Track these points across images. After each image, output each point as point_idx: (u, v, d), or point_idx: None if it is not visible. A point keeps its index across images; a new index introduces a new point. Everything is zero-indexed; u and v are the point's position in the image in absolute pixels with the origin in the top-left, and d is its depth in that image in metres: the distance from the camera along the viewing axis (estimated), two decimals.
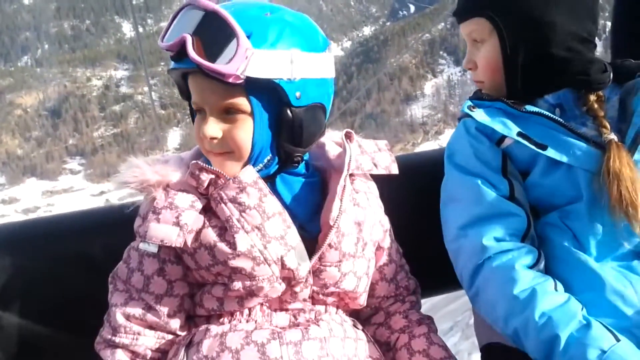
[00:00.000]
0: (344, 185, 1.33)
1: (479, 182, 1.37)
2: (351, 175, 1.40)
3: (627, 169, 1.28)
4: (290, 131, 1.25)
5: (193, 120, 1.30)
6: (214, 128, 1.21)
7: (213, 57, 1.13)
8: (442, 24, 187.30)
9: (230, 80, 1.14)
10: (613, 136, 1.33)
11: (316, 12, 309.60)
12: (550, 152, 1.33)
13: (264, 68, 1.16)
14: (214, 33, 1.15)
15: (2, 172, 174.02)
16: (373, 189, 1.50)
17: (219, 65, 1.13)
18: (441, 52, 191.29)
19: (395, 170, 1.47)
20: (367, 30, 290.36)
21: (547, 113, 1.36)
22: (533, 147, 1.34)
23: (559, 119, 1.36)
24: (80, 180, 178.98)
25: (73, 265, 1.60)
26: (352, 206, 1.35)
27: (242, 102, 1.20)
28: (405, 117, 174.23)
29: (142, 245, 1.26)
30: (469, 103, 1.43)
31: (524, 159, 1.41)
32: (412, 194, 1.57)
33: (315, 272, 1.30)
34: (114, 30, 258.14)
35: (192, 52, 1.13)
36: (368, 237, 1.38)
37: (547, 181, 1.38)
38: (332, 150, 1.43)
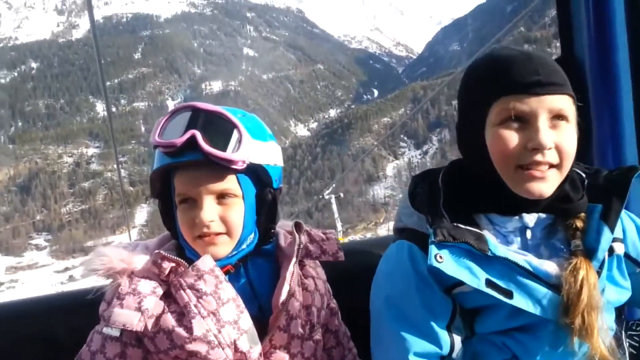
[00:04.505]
0: (293, 271, 1.45)
1: (419, 339, 1.31)
2: (301, 261, 1.54)
3: (592, 277, 1.29)
4: (269, 210, 1.45)
5: (164, 213, 1.46)
6: (210, 213, 1.35)
7: (220, 148, 1.32)
8: (402, 109, 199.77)
9: (237, 166, 1.34)
10: (580, 247, 1.34)
11: (284, 95, 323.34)
12: (516, 301, 1.28)
13: (259, 156, 1.40)
14: (218, 129, 1.34)
15: None
16: (321, 274, 1.63)
17: (230, 154, 1.32)
18: (402, 136, 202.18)
19: (341, 257, 1.58)
20: (333, 112, 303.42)
21: (513, 258, 1.31)
22: (500, 296, 1.28)
23: (523, 263, 1.31)
24: (45, 256, 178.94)
25: (39, 347, 1.69)
26: (300, 290, 1.47)
27: (234, 186, 1.37)
28: (367, 197, 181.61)
29: (105, 329, 1.32)
30: (435, 251, 1.29)
31: (479, 302, 1.35)
32: (359, 278, 1.58)
33: (266, 354, 1.40)
34: (87, 110, 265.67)
35: (204, 145, 1.30)
36: (316, 320, 1.49)
37: (505, 324, 1.35)
38: (284, 239, 1.55)
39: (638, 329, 1.49)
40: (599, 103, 1.96)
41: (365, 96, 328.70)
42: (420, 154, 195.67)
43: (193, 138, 1.31)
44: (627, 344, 1.46)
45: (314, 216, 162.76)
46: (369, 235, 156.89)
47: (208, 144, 1.31)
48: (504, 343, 1.36)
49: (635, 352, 1.45)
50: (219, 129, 1.35)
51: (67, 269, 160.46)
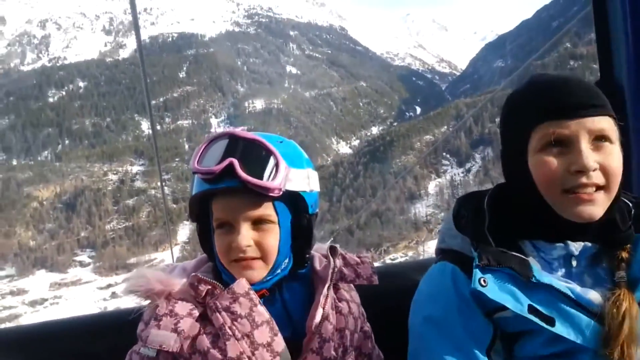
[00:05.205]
0: (327, 295, 1.49)
1: (458, 359, 1.30)
2: (335, 285, 1.58)
3: (634, 310, 1.28)
4: (305, 236, 1.51)
5: (201, 237, 1.54)
6: (247, 238, 1.40)
7: (258, 175, 1.38)
8: (445, 127, 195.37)
9: (273, 193, 1.40)
10: (624, 278, 1.33)
11: (326, 112, 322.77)
12: (558, 329, 1.27)
13: (295, 183, 1.46)
14: (255, 156, 1.40)
15: (13, 263, 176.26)
16: (355, 297, 1.66)
17: (266, 182, 1.38)
18: (444, 154, 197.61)
19: (375, 280, 1.60)
20: (375, 130, 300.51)
21: (557, 286, 1.30)
22: (542, 323, 1.27)
23: (567, 290, 1.30)
24: (88, 273, 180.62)
25: None
26: (334, 314, 1.51)
27: (271, 212, 1.43)
28: (409, 215, 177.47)
29: (142, 350, 1.38)
30: (479, 275, 1.30)
31: (520, 327, 1.35)
32: (393, 302, 1.64)
33: None
34: (132, 128, 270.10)
35: (241, 173, 1.36)
36: (349, 343, 1.53)
37: (544, 350, 1.34)
38: (319, 262, 1.59)
39: None
40: (638, 127, 1.92)
41: (407, 113, 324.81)
42: (462, 172, 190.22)
43: (231, 166, 1.36)
44: None
45: (355, 234, 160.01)
46: (410, 253, 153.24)
47: (245, 172, 1.36)
48: None
49: None
50: (256, 156, 1.40)
51: (110, 285, 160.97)
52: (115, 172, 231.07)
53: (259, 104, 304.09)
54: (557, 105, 1.30)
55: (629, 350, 1.25)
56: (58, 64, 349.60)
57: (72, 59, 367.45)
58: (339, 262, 1.58)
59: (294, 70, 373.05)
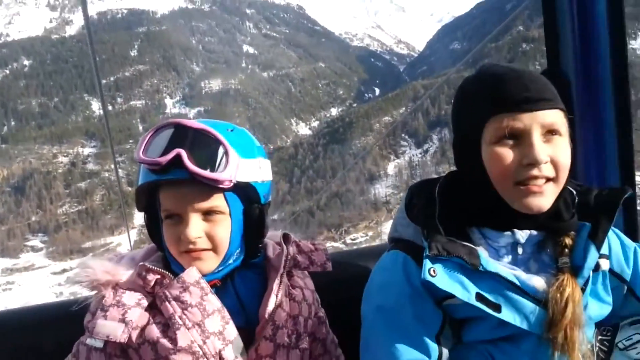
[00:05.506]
0: (280, 282, 1.48)
1: (409, 348, 1.33)
2: (289, 272, 1.57)
3: (577, 295, 1.34)
4: (257, 226, 1.48)
5: (150, 227, 1.48)
6: (196, 230, 1.37)
7: (207, 167, 1.33)
8: (403, 108, 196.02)
9: (223, 185, 1.36)
10: (568, 264, 1.38)
11: (285, 93, 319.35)
12: (504, 315, 1.32)
13: (246, 174, 1.41)
14: (204, 147, 1.35)
15: None
16: (309, 284, 1.65)
17: (216, 174, 1.33)
18: (403, 135, 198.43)
19: (329, 267, 1.60)
20: (334, 111, 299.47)
21: (503, 274, 1.34)
22: (489, 310, 1.32)
23: (513, 278, 1.35)
24: (41, 258, 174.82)
25: (26, 358, 1.72)
26: (288, 301, 1.51)
27: (221, 203, 1.39)
28: (369, 195, 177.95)
29: (89, 341, 1.33)
30: (429, 265, 1.33)
31: (468, 313, 1.39)
32: (347, 288, 1.65)
33: None
34: (82, 108, 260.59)
35: (190, 164, 1.31)
36: (302, 330, 1.53)
37: (491, 334, 1.38)
38: (272, 250, 1.58)
39: (608, 334, 1.52)
40: (583, 117, 1.98)
41: (366, 95, 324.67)
42: (420, 153, 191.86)
43: (178, 157, 1.31)
44: (597, 348, 1.50)
45: (316, 215, 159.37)
46: (370, 233, 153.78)
47: (193, 163, 1.31)
48: (488, 351, 1.39)
49: (602, 356, 1.49)
50: (205, 147, 1.35)
51: (64, 270, 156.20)
52: (65, 154, 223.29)
53: (215, 84, 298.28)
54: (510, 99, 1.33)
55: (572, 334, 1.30)
56: (0, 42, 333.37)
57: (16, 35, 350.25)
58: (292, 249, 1.57)
59: (251, 50, 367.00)
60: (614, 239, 1.57)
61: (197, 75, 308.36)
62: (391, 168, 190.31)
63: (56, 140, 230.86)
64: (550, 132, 1.34)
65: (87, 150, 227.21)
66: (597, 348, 1.49)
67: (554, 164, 1.34)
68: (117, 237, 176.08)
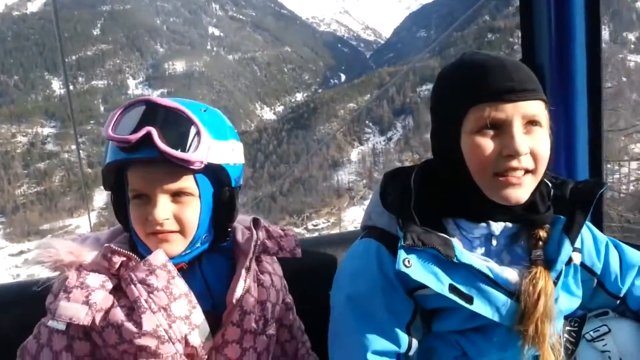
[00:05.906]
0: (249, 267, 1.46)
1: (379, 338, 1.33)
2: (258, 257, 1.55)
3: (549, 288, 1.34)
4: (227, 209, 1.45)
5: (116, 207, 1.43)
6: (164, 211, 1.33)
7: (178, 147, 1.29)
8: (369, 95, 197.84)
9: (194, 166, 1.32)
10: (541, 257, 1.38)
11: (250, 77, 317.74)
12: (476, 307, 1.32)
13: (218, 155, 1.37)
14: (175, 126, 1.31)
15: None
16: (278, 270, 1.65)
17: (187, 154, 1.30)
18: (367, 122, 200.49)
19: (299, 253, 1.58)
20: (300, 96, 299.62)
21: (476, 266, 1.34)
22: (461, 301, 1.31)
23: (486, 270, 1.34)
24: None
25: None
26: (256, 286, 1.49)
27: (191, 185, 1.36)
28: (332, 182, 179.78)
29: (51, 323, 1.30)
30: (404, 255, 1.31)
31: (440, 304, 1.39)
32: (316, 274, 1.67)
33: (218, 349, 1.42)
34: (42, 87, 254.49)
35: (160, 143, 1.27)
36: (270, 315, 1.51)
37: (461, 325, 1.39)
38: (242, 235, 1.55)
39: (576, 325, 1.53)
40: (556, 109, 1.93)
41: (332, 80, 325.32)
42: (384, 140, 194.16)
43: (148, 135, 1.27)
44: (564, 339, 1.50)
45: (278, 201, 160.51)
46: (332, 219, 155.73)
47: (164, 142, 1.28)
48: (457, 341, 1.41)
49: (570, 347, 1.50)
50: (177, 126, 1.31)
51: (22, 252, 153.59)
52: (24, 133, 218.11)
53: (179, 66, 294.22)
54: (494, 88, 1.30)
55: (542, 326, 1.31)
56: None
57: None
58: (262, 234, 1.54)
59: (216, 32, 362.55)
60: (587, 232, 1.56)
61: (161, 56, 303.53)
62: (354, 155, 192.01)
63: (15, 119, 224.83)
64: (531, 122, 1.32)
65: (46, 131, 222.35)
66: (564, 339, 1.49)
67: (534, 156, 1.32)
68: (76, 219, 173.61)
